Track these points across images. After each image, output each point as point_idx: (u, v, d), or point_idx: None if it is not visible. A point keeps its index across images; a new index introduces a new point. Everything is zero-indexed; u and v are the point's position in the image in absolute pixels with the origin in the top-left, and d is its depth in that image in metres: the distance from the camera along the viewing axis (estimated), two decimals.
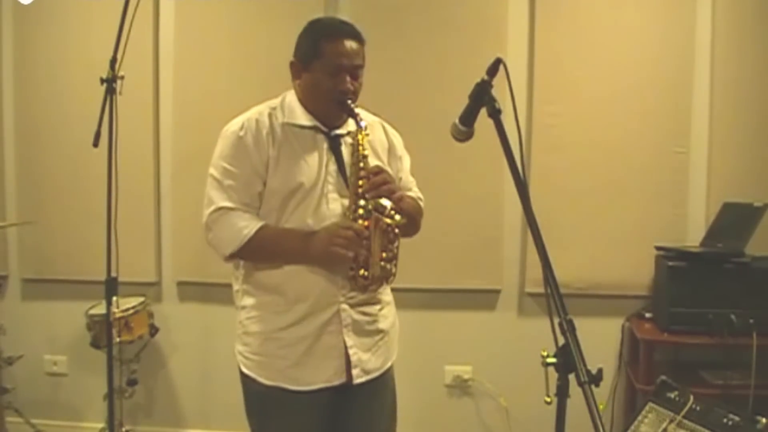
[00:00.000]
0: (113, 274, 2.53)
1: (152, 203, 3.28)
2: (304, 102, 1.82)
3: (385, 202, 1.69)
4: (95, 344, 2.97)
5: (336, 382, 1.82)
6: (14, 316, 3.33)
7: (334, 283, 1.78)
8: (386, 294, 1.94)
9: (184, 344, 3.37)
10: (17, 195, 3.38)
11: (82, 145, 2.65)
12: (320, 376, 1.81)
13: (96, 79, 2.45)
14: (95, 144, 2.43)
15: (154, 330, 3.11)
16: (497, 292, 3.20)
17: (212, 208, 1.78)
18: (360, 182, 1.74)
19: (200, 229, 3.39)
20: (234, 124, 1.80)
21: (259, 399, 1.87)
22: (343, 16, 3.13)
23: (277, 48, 3.12)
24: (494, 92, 1.55)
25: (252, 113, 1.82)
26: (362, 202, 1.73)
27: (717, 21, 3.00)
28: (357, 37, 1.79)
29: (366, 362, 1.85)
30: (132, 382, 3.11)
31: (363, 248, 1.71)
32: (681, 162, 3.03)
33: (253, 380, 1.85)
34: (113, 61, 2.44)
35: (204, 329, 3.33)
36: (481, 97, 1.56)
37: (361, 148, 1.76)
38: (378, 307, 1.88)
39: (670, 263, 2.79)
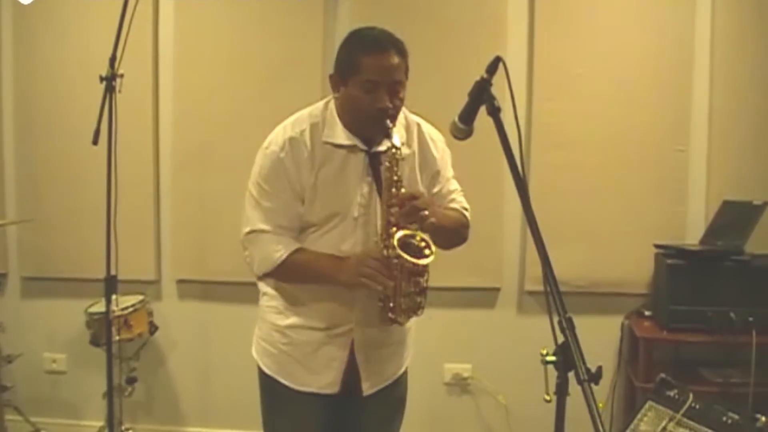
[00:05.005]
0: (113, 272, 2.54)
1: (152, 201, 3.28)
2: (342, 116, 1.76)
3: (412, 239, 1.67)
4: (95, 342, 2.97)
5: (328, 392, 1.82)
6: (14, 314, 3.33)
7: (352, 305, 1.78)
8: None
9: (183, 342, 3.37)
10: (17, 193, 3.38)
11: (81, 143, 2.64)
12: (314, 382, 1.82)
13: (95, 77, 2.44)
14: (95, 142, 2.43)
15: (153, 328, 3.11)
16: (497, 290, 3.20)
17: (248, 229, 1.78)
18: (392, 210, 1.69)
19: (199, 227, 3.39)
20: (275, 143, 1.74)
21: (264, 385, 1.91)
22: (343, 16, 3.14)
23: (276, 48, 3.15)
24: (494, 90, 1.55)
25: (295, 130, 1.74)
26: (393, 232, 1.68)
27: (717, 20, 3.00)
28: (398, 49, 1.69)
29: (378, 374, 1.86)
30: (131, 380, 3.11)
31: (390, 280, 1.68)
32: (680, 160, 3.03)
33: (258, 366, 1.90)
34: (112, 59, 2.43)
35: (203, 327, 3.33)
36: (481, 96, 1.55)
37: (395, 175, 1.69)
38: None
39: (670, 261, 2.79)
